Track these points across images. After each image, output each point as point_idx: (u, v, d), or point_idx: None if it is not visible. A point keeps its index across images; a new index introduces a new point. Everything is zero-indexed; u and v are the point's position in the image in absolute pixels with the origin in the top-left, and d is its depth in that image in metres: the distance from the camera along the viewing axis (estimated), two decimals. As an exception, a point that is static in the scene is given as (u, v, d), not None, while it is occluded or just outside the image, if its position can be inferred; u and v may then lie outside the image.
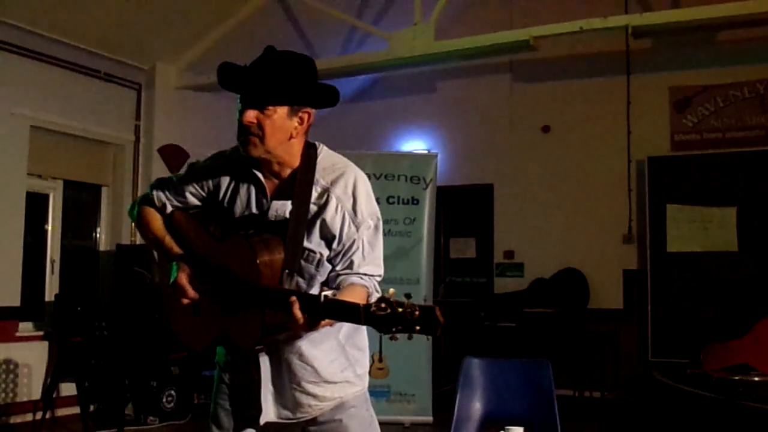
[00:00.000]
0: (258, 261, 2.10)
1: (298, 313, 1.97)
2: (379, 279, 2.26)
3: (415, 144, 9.42)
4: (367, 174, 2.36)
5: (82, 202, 7.85)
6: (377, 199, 2.38)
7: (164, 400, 6.83)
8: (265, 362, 2.28)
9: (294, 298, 2.00)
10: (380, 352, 6.56)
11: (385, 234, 2.37)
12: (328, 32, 8.33)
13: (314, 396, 2.29)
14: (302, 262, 2.19)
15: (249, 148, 2.16)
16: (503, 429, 3.09)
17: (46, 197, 7.33)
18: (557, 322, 8.11)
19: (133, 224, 7.76)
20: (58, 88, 7.12)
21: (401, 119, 9.49)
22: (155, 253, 2.49)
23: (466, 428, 3.62)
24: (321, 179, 2.23)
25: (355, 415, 2.37)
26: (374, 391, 2.53)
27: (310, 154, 2.25)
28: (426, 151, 9.01)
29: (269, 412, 2.29)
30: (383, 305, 1.86)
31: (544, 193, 8.78)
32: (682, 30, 7.27)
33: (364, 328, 2.36)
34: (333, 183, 2.22)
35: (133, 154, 7.93)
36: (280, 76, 2.12)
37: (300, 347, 2.26)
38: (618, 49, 8.15)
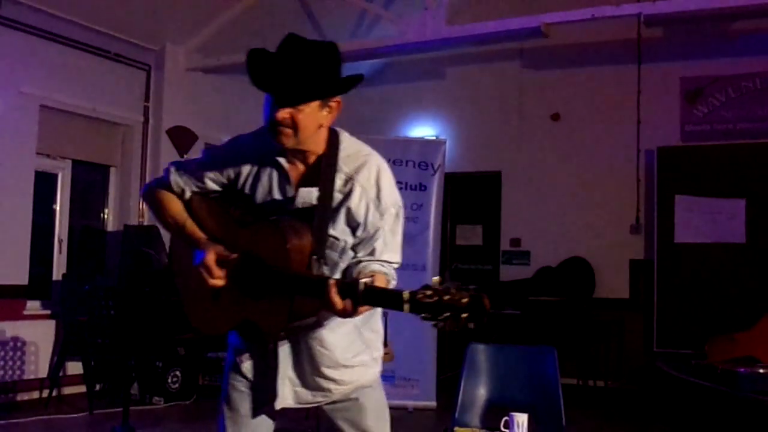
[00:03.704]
0: (288, 246, 2.09)
1: (337, 299, 1.98)
2: (396, 266, 2.27)
3: (423, 130, 9.40)
4: None
5: (90, 182, 7.88)
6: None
7: (170, 380, 6.87)
8: (284, 349, 2.29)
9: (333, 282, 2.00)
10: (385, 336, 6.58)
11: None
12: (339, 16, 8.31)
13: (334, 380, 2.32)
14: (327, 249, 2.21)
15: (281, 138, 2.16)
16: (507, 415, 3.10)
17: (54, 177, 7.35)
18: (562, 311, 8.11)
19: (141, 205, 7.83)
20: (67, 67, 7.12)
21: (410, 105, 9.47)
22: (167, 237, 2.48)
23: (470, 414, 3.63)
24: (344, 167, 2.23)
25: (371, 396, 2.41)
26: (379, 376, 2.54)
27: (333, 141, 2.26)
28: (434, 137, 8.99)
29: (287, 398, 2.32)
30: (429, 292, 1.86)
31: (551, 181, 8.76)
32: (695, 19, 7.21)
33: (379, 311, 2.39)
34: (357, 171, 2.23)
35: (142, 135, 7.94)
36: (311, 74, 2.11)
37: (320, 333, 2.27)
38: (629, 37, 8.10)
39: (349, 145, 2.29)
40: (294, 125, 2.13)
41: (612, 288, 8.33)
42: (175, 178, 2.35)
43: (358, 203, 2.21)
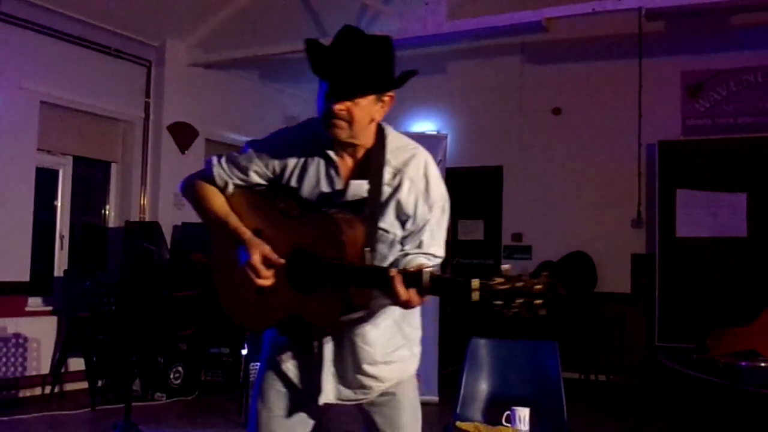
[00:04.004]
0: (343, 238, 2.08)
1: (402, 289, 1.97)
2: (440, 261, 2.26)
3: (424, 125, 9.39)
4: None
5: (91, 178, 7.88)
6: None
7: (171, 376, 6.88)
8: (328, 344, 2.27)
9: (395, 272, 1.99)
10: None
11: None
12: (339, 10, 8.27)
13: (375, 377, 2.30)
14: (377, 242, 2.20)
15: (336, 131, 2.15)
16: (509, 409, 3.11)
17: (55, 173, 7.35)
18: (564, 305, 8.11)
19: (142, 201, 7.83)
20: (68, 63, 7.12)
21: (411, 100, 9.44)
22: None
23: (472, 408, 3.63)
24: (392, 160, 2.24)
25: (407, 392, 2.41)
26: (381, 370, 2.51)
27: (380, 135, 2.27)
28: (435, 132, 8.97)
29: (329, 394, 2.30)
30: (500, 280, 1.87)
31: (553, 175, 8.76)
32: (696, 13, 7.21)
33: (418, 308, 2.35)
34: (405, 164, 2.24)
35: (143, 131, 7.93)
36: (370, 67, 2.12)
37: (364, 328, 2.26)
38: (630, 31, 8.08)
39: (395, 138, 2.30)
40: (350, 118, 2.13)
41: (613, 282, 8.33)
42: (219, 171, 2.31)
43: (407, 196, 2.21)
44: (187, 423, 6.08)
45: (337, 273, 2.07)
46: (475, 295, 1.87)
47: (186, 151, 8.13)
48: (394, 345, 2.33)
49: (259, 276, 2.16)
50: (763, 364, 5.80)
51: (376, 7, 7.99)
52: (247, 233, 2.22)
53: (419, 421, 2.45)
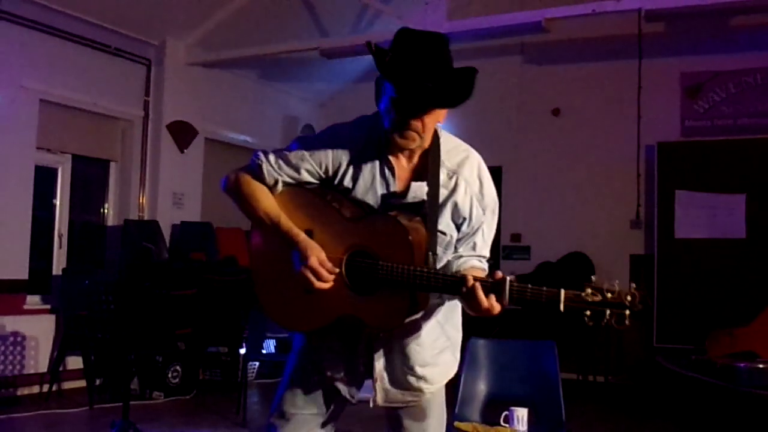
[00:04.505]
0: (410, 239, 2.06)
1: (483, 297, 1.96)
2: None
3: (424, 125, 9.38)
4: None
5: (90, 176, 7.87)
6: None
7: (170, 375, 6.87)
8: (378, 346, 2.25)
9: (472, 278, 1.98)
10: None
11: None
12: (339, 10, 8.29)
13: (425, 379, 2.29)
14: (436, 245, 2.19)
15: (409, 143, 2.14)
16: (507, 410, 3.11)
17: (54, 171, 7.34)
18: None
19: (141, 200, 7.83)
20: (68, 62, 7.11)
21: (410, 100, 9.44)
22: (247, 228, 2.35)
23: (470, 408, 3.63)
24: (447, 161, 2.23)
25: (437, 397, 2.40)
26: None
27: (435, 136, 2.25)
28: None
29: (378, 396, 2.27)
30: (590, 291, 1.91)
31: (552, 176, 8.76)
32: (696, 14, 7.20)
33: (459, 307, 2.32)
34: (459, 165, 2.24)
35: (142, 130, 7.93)
36: (445, 80, 2.09)
37: (414, 331, 2.24)
38: (630, 32, 8.07)
39: (448, 139, 2.29)
40: (423, 130, 2.13)
41: (612, 283, 8.31)
42: (269, 169, 2.22)
43: (463, 198, 2.20)
44: (184, 422, 6.08)
45: (408, 278, 2.04)
46: (563, 306, 1.91)
47: (185, 150, 8.12)
48: (439, 347, 2.31)
49: (319, 279, 2.10)
50: (761, 366, 5.81)
51: (376, 7, 7.99)
52: (300, 235, 2.16)
53: (443, 425, 2.44)
